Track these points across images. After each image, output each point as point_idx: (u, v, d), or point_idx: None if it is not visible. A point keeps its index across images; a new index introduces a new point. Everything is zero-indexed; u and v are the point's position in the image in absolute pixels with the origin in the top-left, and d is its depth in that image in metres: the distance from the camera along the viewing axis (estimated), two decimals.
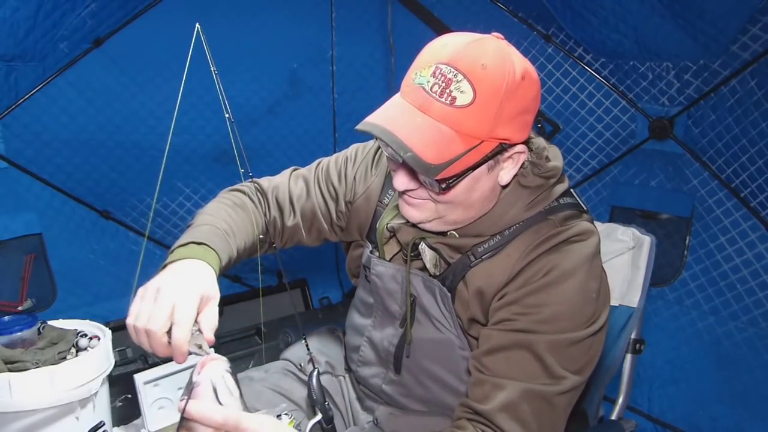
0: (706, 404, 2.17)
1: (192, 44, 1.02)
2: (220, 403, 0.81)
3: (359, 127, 0.94)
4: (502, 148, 0.96)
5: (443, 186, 0.96)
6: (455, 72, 0.90)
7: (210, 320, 0.92)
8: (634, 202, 2.38)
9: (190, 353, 0.88)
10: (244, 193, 1.26)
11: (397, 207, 1.14)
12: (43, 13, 1.85)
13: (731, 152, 2.05)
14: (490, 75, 0.90)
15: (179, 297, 0.89)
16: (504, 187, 1.04)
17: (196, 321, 0.91)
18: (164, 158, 1.03)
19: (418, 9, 2.40)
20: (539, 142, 1.08)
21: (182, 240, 1.06)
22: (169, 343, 0.89)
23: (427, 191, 1.00)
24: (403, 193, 1.03)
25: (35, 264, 2.26)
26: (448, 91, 0.90)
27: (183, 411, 0.79)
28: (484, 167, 0.97)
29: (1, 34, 1.78)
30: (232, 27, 2.34)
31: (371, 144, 1.30)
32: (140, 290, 0.93)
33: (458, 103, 0.90)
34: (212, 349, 0.89)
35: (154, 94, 2.33)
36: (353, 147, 1.31)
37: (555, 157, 1.07)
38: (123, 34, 2.19)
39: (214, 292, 0.95)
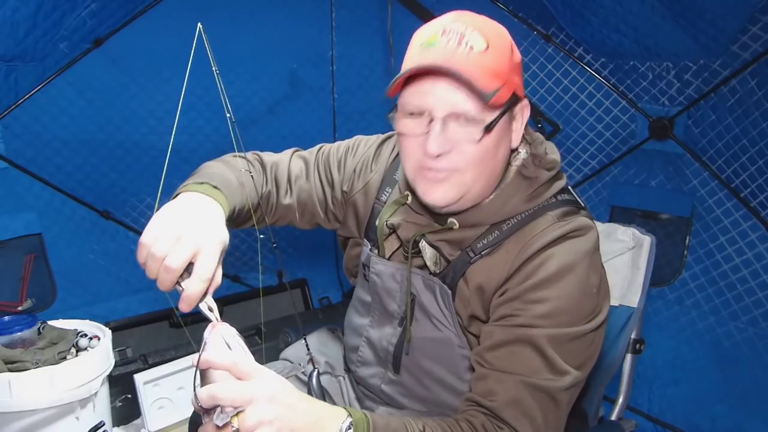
0: (706, 404, 2.17)
1: (194, 44, 1.02)
2: None
3: (404, 71, 0.95)
4: (516, 98, 1.01)
5: (488, 123, 0.95)
6: (464, 27, 0.95)
7: (217, 278, 0.90)
8: (634, 202, 2.38)
9: (197, 309, 0.87)
10: (246, 160, 1.23)
11: (396, 203, 1.14)
12: (43, 13, 1.85)
13: (731, 152, 2.05)
14: (493, 27, 0.98)
15: (204, 245, 0.87)
16: (513, 151, 1.07)
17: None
18: (168, 152, 1.03)
19: (418, 9, 2.40)
20: (538, 135, 1.10)
21: (197, 178, 1.05)
22: (178, 283, 0.87)
23: (460, 151, 0.98)
24: (428, 170, 1.00)
25: (35, 264, 2.26)
26: (464, 41, 0.94)
27: (197, 363, 0.78)
28: (506, 118, 1.00)
29: (1, 34, 1.78)
30: (232, 27, 2.34)
31: (374, 139, 1.29)
32: (160, 215, 0.91)
33: (476, 50, 0.94)
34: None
35: (154, 94, 2.33)
36: (356, 138, 1.31)
37: (552, 151, 1.09)
38: (123, 34, 2.19)
39: (227, 243, 0.94)
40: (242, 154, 1.23)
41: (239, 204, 1.11)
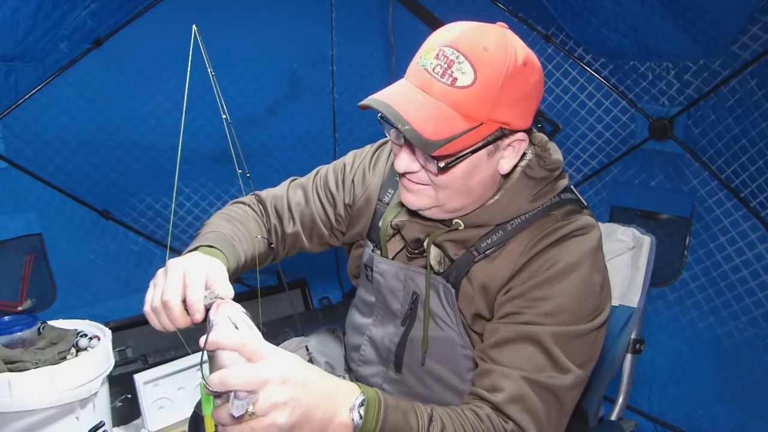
0: (706, 404, 2.17)
1: (191, 46, 1.03)
2: None
3: (361, 103, 0.97)
4: (503, 133, 0.97)
5: (442, 166, 0.96)
6: (457, 54, 0.92)
7: (225, 287, 0.93)
8: (634, 202, 2.38)
9: (207, 311, 0.88)
10: (245, 204, 1.30)
11: (400, 204, 1.14)
12: (43, 13, 1.85)
13: (731, 152, 2.05)
14: (492, 57, 0.92)
15: (187, 267, 0.93)
16: (505, 176, 1.06)
17: (210, 289, 0.92)
18: (178, 158, 1.04)
19: (418, 9, 2.40)
20: (541, 136, 1.10)
21: (190, 247, 1.10)
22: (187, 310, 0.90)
23: (427, 174, 1.01)
24: (403, 176, 1.04)
25: (35, 264, 2.26)
26: (449, 72, 0.92)
27: (204, 345, 0.78)
28: (483, 152, 0.98)
29: (1, 34, 1.78)
30: (232, 27, 2.34)
31: (368, 149, 1.32)
32: (151, 281, 0.96)
33: (459, 83, 0.91)
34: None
35: (154, 94, 2.33)
36: (350, 153, 1.34)
37: (556, 152, 1.10)
38: (123, 34, 2.19)
39: (222, 273, 0.97)
40: (242, 199, 1.31)
41: (245, 250, 1.16)
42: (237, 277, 1.14)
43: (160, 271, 0.96)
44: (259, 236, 1.24)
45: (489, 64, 0.91)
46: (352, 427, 0.82)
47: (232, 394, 0.74)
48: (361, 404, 0.83)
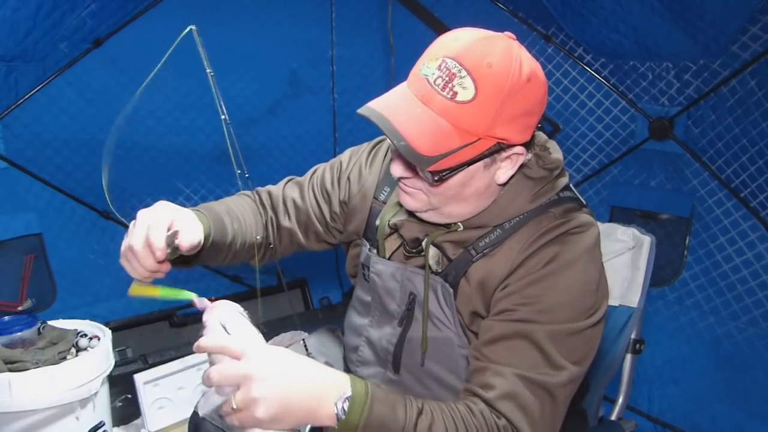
0: (706, 404, 2.17)
1: (187, 45, 1.03)
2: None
3: (360, 111, 0.97)
4: (500, 147, 0.97)
5: (436, 178, 0.96)
6: (460, 68, 0.91)
7: (191, 233, 1.01)
8: (634, 202, 2.38)
9: (197, 310, 0.96)
10: (244, 195, 1.32)
11: (398, 204, 1.14)
12: (43, 13, 1.85)
13: (731, 152, 2.05)
14: (494, 74, 0.90)
15: (152, 211, 1.03)
16: (502, 185, 1.05)
17: (172, 230, 1.00)
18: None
19: (418, 9, 2.40)
20: (540, 136, 1.09)
21: None
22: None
23: (422, 182, 1.01)
24: (400, 180, 1.05)
25: (35, 264, 2.26)
26: (450, 85, 0.91)
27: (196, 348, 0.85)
28: (480, 164, 0.98)
29: (1, 34, 1.78)
30: (232, 27, 2.34)
31: (365, 146, 1.32)
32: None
33: (459, 98, 0.91)
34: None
35: (154, 94, 2.33)
36: (347, 151, 1.34)
37: (556, 151, 1.09)
38: (123, 35, 2.20)
39: (190, 221, 1.05)
40: (246, 192, 1.34)
41: (234, 229, 1.20)
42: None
43: (132, 223, 1.03)
44: (258, 237, 1.24)
45: (491, 81, 0.90)
46: (336, 420, 0.85)
47: (208, 393, 0.84)
48: (345, 401, 0.85)
